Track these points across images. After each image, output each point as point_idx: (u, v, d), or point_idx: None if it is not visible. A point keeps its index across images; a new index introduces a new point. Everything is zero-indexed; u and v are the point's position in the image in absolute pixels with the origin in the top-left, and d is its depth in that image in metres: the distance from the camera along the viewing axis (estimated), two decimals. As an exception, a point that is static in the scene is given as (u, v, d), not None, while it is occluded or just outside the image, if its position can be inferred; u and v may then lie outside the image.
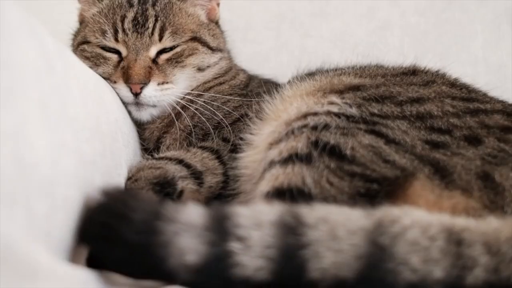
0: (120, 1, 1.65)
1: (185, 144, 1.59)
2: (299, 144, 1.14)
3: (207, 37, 1.70)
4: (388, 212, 0.89)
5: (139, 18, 1.59)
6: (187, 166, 1.43)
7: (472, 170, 1.06)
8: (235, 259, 0.82)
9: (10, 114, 0.85)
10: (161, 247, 0.84)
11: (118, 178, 1.31)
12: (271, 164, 1.16)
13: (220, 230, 0.85)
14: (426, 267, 0.81)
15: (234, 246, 0.83)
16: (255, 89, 1.74)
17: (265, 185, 1.13)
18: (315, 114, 1.21)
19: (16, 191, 0.82)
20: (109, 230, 0.88)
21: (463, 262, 0.82)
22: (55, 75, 1.05)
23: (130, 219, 0.87)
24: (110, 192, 0.96)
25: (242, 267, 0.82)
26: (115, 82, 1.58)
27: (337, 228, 0.85)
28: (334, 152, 1.11)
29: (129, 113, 1.62)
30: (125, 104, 1.60)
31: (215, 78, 1.74)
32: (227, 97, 1.67)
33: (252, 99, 1.59)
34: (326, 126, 1.16)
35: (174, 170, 1.38)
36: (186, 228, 0.85)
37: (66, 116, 1.05)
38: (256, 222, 0.86)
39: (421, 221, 0.87)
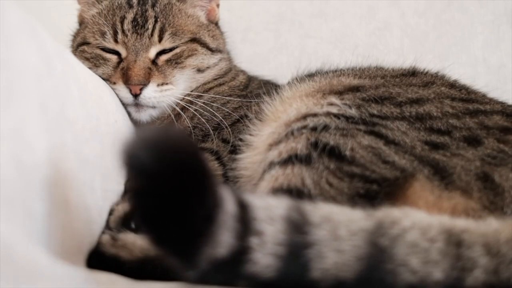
0: (119, 2, 1.65)
1: (184, 145, 1.59)
2: (299, 145, 1.14)
3: (206, 38, 1.70)
4: (388, 213, 0.89)
5: (139, 19, 1.59)
6: (187, 167, 1.42)
7: (471, 171, 1.06)
8: (251, 255, 0.79)
9: (10, 115, 0.85)
10: (205, 235, 0.78)
11: (117, 180, 1.31)
12: (271, 165, 1.16)
13: (243, 221, 0.80)
14: (425, 269, 0.81)
15: (253, 241, 0.79)
16: (254, 90, 1.74)
17: (265, 186, 1.13)
18: (315, 115, 1.21)
19: (15, 192, 0.82)
20: (182, 208, 0.76)
21: (462, 263, 0.82)
22: (54, 76, 1.05)
23: (204, 203, 0.78)
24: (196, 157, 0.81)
25: (253, 264, 0.79)
26: (114, 83, 1.58)
27: (340, 228, 0.84)
28: (334, 153, 1.11)
29: (129, 114, 1.62)
30: (124, 105, 1.60)
31: (215, 79, 1.73)
32: (226, 98, 1.67)
33: (252, 100, 1.59)
34: (325, 127, 1.16)
35: (174, 171, 1.38)
36: (229, 218, 0.79)
37: (66, 117, 1.05)
38: (269, 215, 0.82)
39: (421, 222, 0.86)
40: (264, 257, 0.79)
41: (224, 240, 0.78)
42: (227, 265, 0.79)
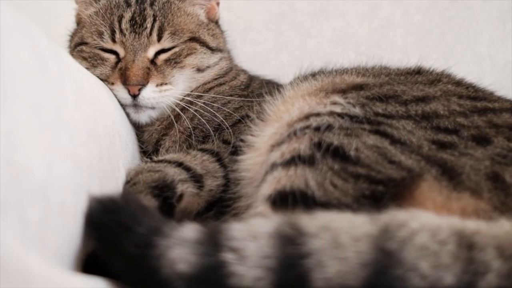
0: (117, 1, 1.63)
1: (184, 147, 1.57)
2: (302, 145, 1.12)
3: (206, 37, 1.68)
4: (394, 216, 0.87)
5: (137, 18, 1.57)
6: (187, 169, 1.40)
7: (481, 171, 1.04)
8: (230, 269, 0.82)
9: (2, 116, 0.83)
10: (154, 259, 0.86)
11: (115, 182, 1.29)
12: (273, 166, 1.13)
13: (212, 243, 0.86)
14: (436, 273, 0.78)
15: (228, 256, 0.83)
16: (256, 90, 1.72)
17: (267, 188, 1.11)
18: (318, 114, 1.19)
19: (9, 197, 0.81)
20: (113, 238, 0.92)
21: (475, 267, 0.79)
22: (49, 76, 1.03)
23: (134, 232, 0.90)
24: (125, 199, 1.01)
25: (238, 277, 0.81)
26: (112, 83, 1.56)
27: (340, 235, 0.83)
28: (338, 153, 1.09)
29: (127, 115, 1.60)
30: (123, 106, 1.59)
31: (215, 79, 1.71)
32: (227, 98, 1.65)
33: (253, 100, 1.57)
34: (329, 127, 1.14)
35: (174, 173, 1.36)
36: (178, 242, 0.87)
37: (61, 119, 1.03)
38: (251, 234, 0.86)
39: (430, 224, 0.84)
40: (249, 270, 0.81)
41: (180, 258, 0.85)
42: (202, 278, 0.84)
